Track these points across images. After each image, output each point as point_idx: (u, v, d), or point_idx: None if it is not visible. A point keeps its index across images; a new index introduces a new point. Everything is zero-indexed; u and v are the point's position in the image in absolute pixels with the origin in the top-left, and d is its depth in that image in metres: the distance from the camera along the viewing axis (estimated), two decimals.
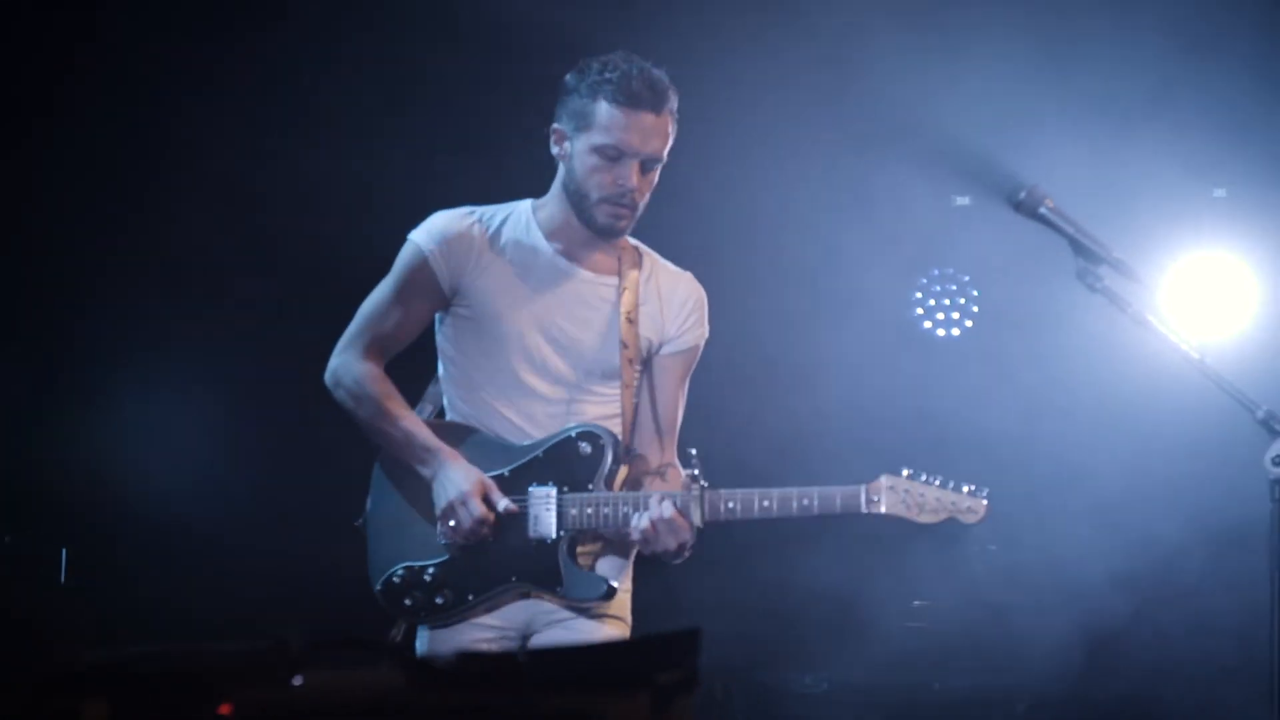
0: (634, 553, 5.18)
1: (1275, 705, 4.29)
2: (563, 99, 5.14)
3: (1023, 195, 4.80)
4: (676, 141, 5.16)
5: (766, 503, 4.98)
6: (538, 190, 5.31)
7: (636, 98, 5.04)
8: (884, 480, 4.98)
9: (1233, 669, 7.74)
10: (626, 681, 2.87)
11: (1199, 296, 8.61)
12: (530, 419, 5.13)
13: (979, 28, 7.70)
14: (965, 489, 5.01)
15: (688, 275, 5.39)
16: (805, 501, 4.98)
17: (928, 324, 8.92)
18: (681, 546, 5.00)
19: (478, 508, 4.97)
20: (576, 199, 5.13)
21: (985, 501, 5.02)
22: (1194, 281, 8.62)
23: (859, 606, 8.07)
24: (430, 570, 5.04)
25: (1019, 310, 8.56)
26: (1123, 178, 8.32)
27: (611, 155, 5.06)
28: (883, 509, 4.97)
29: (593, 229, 5.15)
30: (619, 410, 5.19)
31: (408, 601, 5.06)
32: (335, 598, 5.94)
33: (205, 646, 2.73)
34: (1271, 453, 4.34)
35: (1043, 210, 4.78)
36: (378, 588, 5.09)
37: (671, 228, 5.56)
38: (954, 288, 8.87)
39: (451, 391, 5.20)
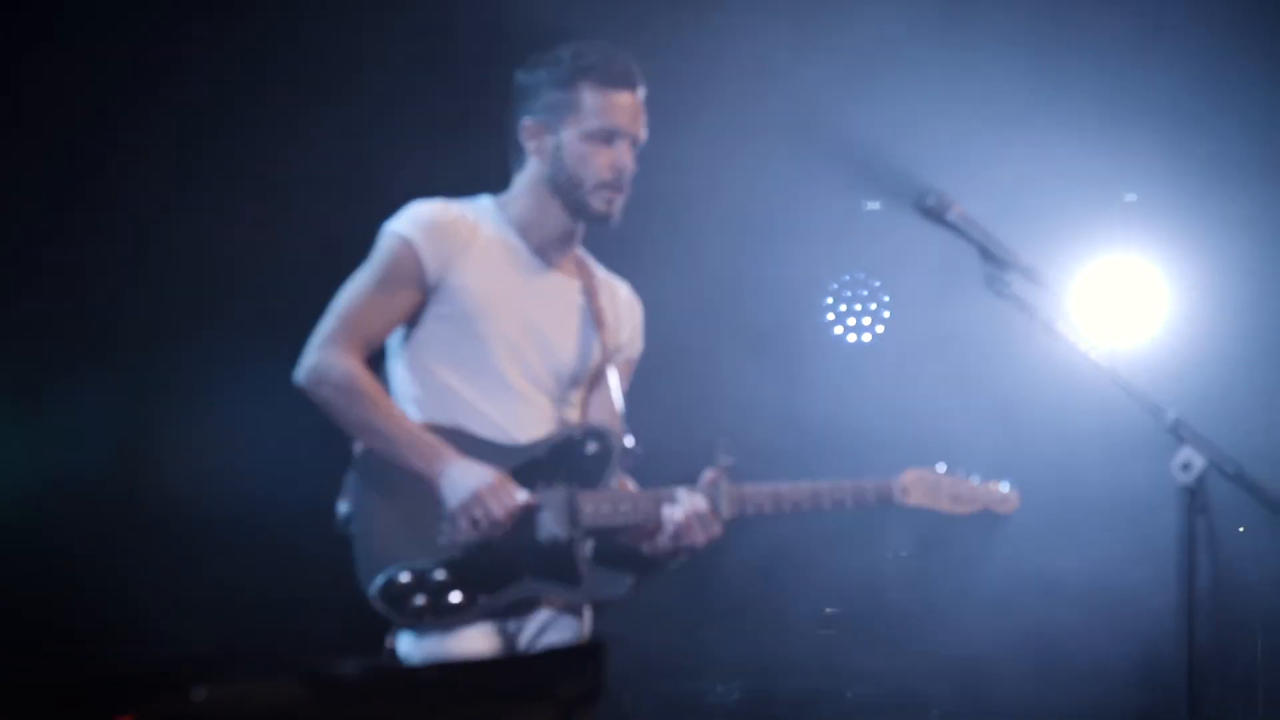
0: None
1: (1187, 712, 4.27)
2: (532, 92, 5.05)
3: (930, 201, 4.77)
4: None
5: (796, 497, 5.00)
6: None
7: (619, 78, 5.02)
8: (913, 473, 5.06)
9: (1144, 674, 7.78)
10: (530, 694, 2.85)
11: (1110, 301, 8.66)
12: (515, 421, 4.98)
13: (891, 34, 7.70)
14: (997, 483, 5.10)
15: (626, 284, 5.35)
16: (838, 496, 5.01)
17: (839, 329, 8.94)
18: (710, 541, 4.97)
19: (509, 498, 4.81)
20: (567, 189, 5.01)
21: (1017, 493, 5.15)
22: (1105, 286, 8.67)
23: (770, 614, 8.07)
24: (436, 571, 4.82)
25: (930, 315, 8.58)
26: (1034, 183, 8.36)
27: (604, 139, 4.99)
28: (914, 501, 5.05)
29: (585, 217, 5.06)
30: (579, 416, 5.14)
31: (416, 603, 4.80)
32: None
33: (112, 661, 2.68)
34: (1178, 459, 4.32)
35: (950, 216, 4.75)
36: (374, 591, 4.80)
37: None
38: (865, 293, 8.89)
39: (419, 394, 4.98)
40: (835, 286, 8.96)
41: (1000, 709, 8.38)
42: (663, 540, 4.98)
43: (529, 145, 5.07)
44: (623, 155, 5.02)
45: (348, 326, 4.89)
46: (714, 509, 4.94)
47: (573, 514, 4.91)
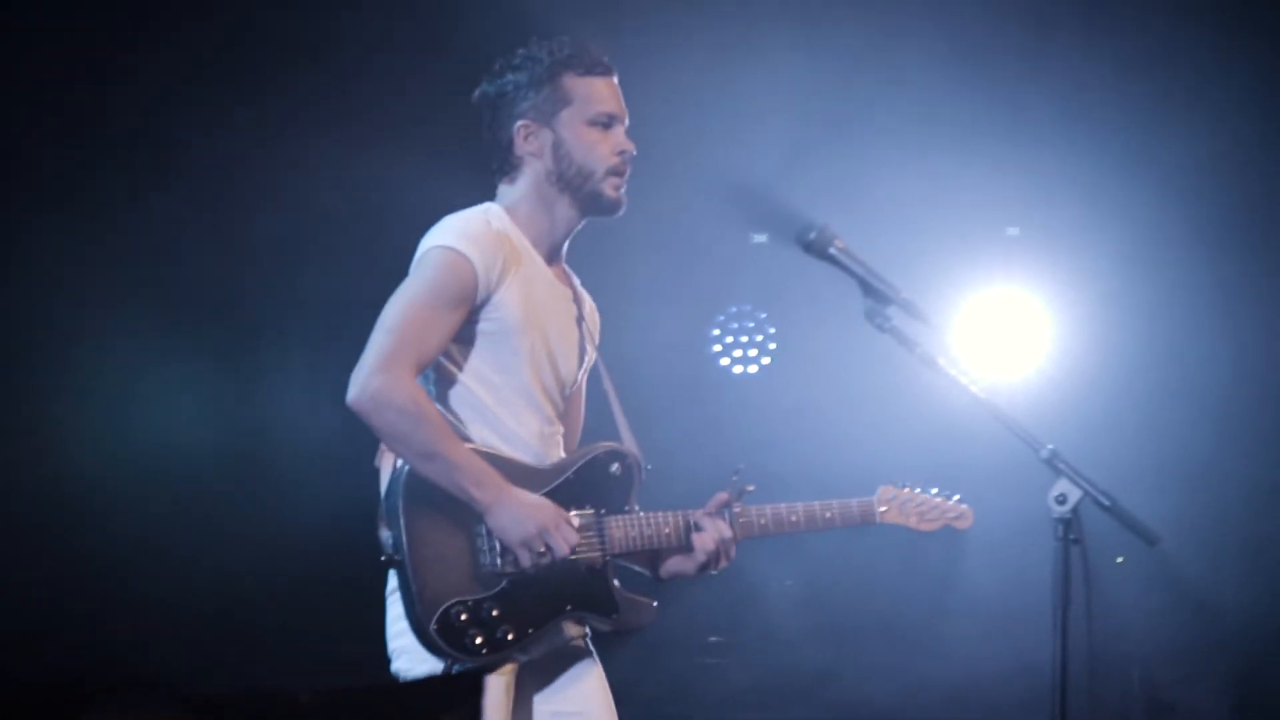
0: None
1: None
2: (512, 97, 4.98)
3: (813, 235, 4.81)
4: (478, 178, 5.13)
5: (794, 517, 5.09)
6: None
7: (599, 65, 5.00)
8: (885, 491, 5.18)
9: (1020, 700, 7.84)
10: None
11: (993, 334, 8.74)
12: (541, 438, 4.94)
13: (775, 68, 7.75)
14: (954, 497, 5.15)
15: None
16: (828, 515, 5.12)
17: (725, 361, 8.97)
18: (725, 561, 5.03)
19: (571, 534, 4.77)
20: (578, 181, 4.96)
21: (970, 508, 5.22)
22: (987, 319, 8.74)
23: (653, 643, 8.08)
24: (489, 604, 4.72)
25: (816, 347, 8.62)
26: (917, 218, 8.42)
27: (604, 123, 4.97)
28: (889, 519, 5.17)
29: (597, 208, 5.01)
30: None
31: (471, 640, 4.70)
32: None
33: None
34: (1054, 491, 4.38)
35: (832, 250, 4.78)
36: (433, 626, 4.67)
37: None
38: (751, 324, 8.93)
39: (463, 414, 4.88)
40: (722, 319, 8.99)
41: None
42: (687, 565, 5.04)
43: (526, 148, 4.98)
44: (623, 138, 5.00)
45: (407, 346, 4.72)
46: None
47: (603, 539, 4.90)
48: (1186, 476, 8.57)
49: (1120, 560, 8.27)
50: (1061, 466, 4.38)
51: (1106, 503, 4.34)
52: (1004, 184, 8.62)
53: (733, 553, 5.03)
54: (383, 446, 4.87)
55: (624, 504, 4.95)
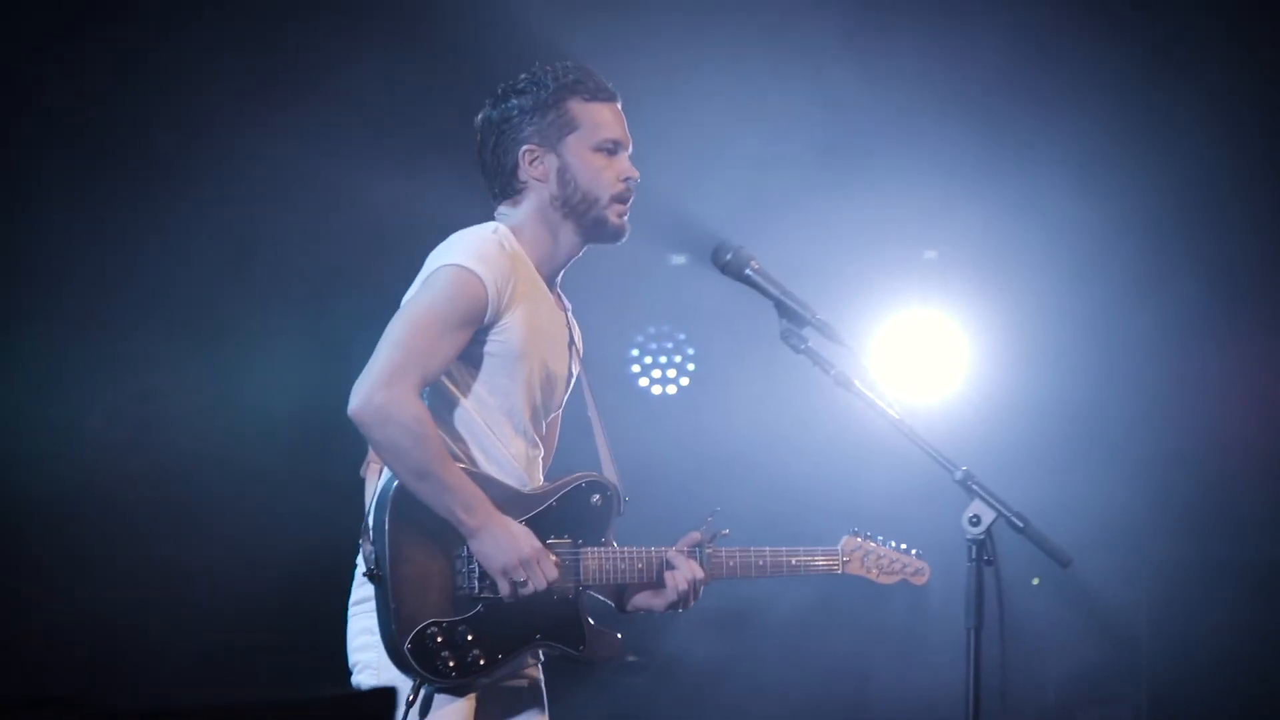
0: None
1: None
2: (517, 121, 4.92)
3: (729, 256, 4.83)
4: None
5: (761, 562, 5.07)
6: None
7: (604, 91, 4.96)
8: (848, 542, 5.16)
9: None
10: None
11: (910, 356, 8.77)
12: (525, 461, 4.91)
13: (695, 90, 7.77)
14: (913, 552, 5.15)
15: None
16: (794, 562, 5.10)
17: (644, 381, 8.97)
18: (694, 600, 5.02)
19: (550, 568, 4.74)
20: (583, 208, 4.90)
21: (929, 567, 5.22)
22: (905, 341, 8.78)
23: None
24: (463, 628, 4.70)
25: (734, 368, 8.63)
26: (835, 239, 8.44)
27: (610, 149, 4.92)
28: (851, 570, 5.16)
29: (601, 235, 4.96)
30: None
31: (444, 662, 4.67)
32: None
33: None
34: (969, 513, 4.40)
35: (748, 271, 4.81)
36: (407, 645, 4.64)
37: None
38: (670, 345, 8.93)
39: (456, 432, 4.83)
40: (640, 339, 8.99)
41: None
42: (655, 601, 5.01)
43: (531, 172, 4.91)
44: (628, 165, 4.95)
45: (414, 362, 4.67)
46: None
47: (577, 570, 4.87)
48: (1099, 499, 8.63)
49: (1036, 582, 8.32)
50: (975, 488, 4.41)
51: (1020, 524, 4.38)
52: (922, 207, 8.66)
53: (700, 593, 5.01)
54: (369, 458, 4.86)
55: (601, 536, 4.92)
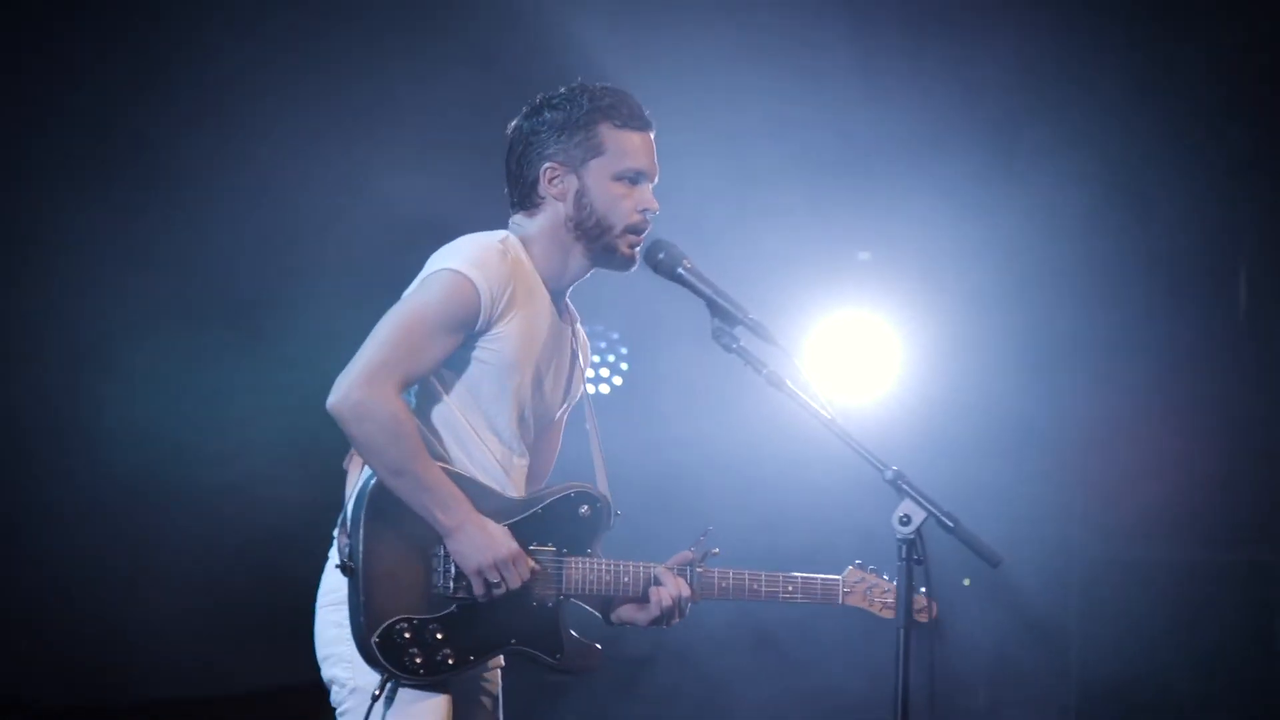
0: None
1: None
2: (546, 135, 4.90)
3: (661, 255, 4.83)
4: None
5: (756, 585, 5.05)
6: None
7: (638, 119, 4.93)
8: (851, 574, 5.12)
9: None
10: None
11: (843, 357, 8.79)
12: (507, 470, 4.90)
13: (629, 87, 7.76)
14: (921, 590, 5.08)
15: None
16: (790, 589, 5.07)
17: None
18: (679, 618, 5.01)
19: (525, 570, 4.73)
20: (595, 233, 4.88)
21: (937, 604, 5.12)
22: (838, 342, 8.79)
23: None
24: (434, 626, 4.70)
25: (667, 368, 8.63)
26: (768, 240, 8.45)
27: (632, 178, 4.89)
28: (851, 602, 5.12)
29: (609, 263, 4.94)
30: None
31: (411, 659, 4.67)
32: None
33: None
34: (898, 512, 4.41)
35: (680, 270, 4.81)
36: (375, 639, 4.63)
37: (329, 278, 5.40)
38: (603, 345, 8.92)
39: (439, 432, 4.84)
40: None
41: None
42: (640, 616, 5.00)
43: (550, 190, 4.90)
44: (649, 197, 4.92)
45: (398, 362, 4.67)
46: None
47: (559, 579, 4.86)
48: (1029, 499, 8.67)
49: (966, 583, 8.34)
50: (906, 488, 4.41)
51: (950, 524, 4.39)
52: (855, 209, 8.68)
53: (687, 611, 5.01)
54: (353, 451, 4.82)
55: (587, 546, 4.92)
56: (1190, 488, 8.83)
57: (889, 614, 5.10)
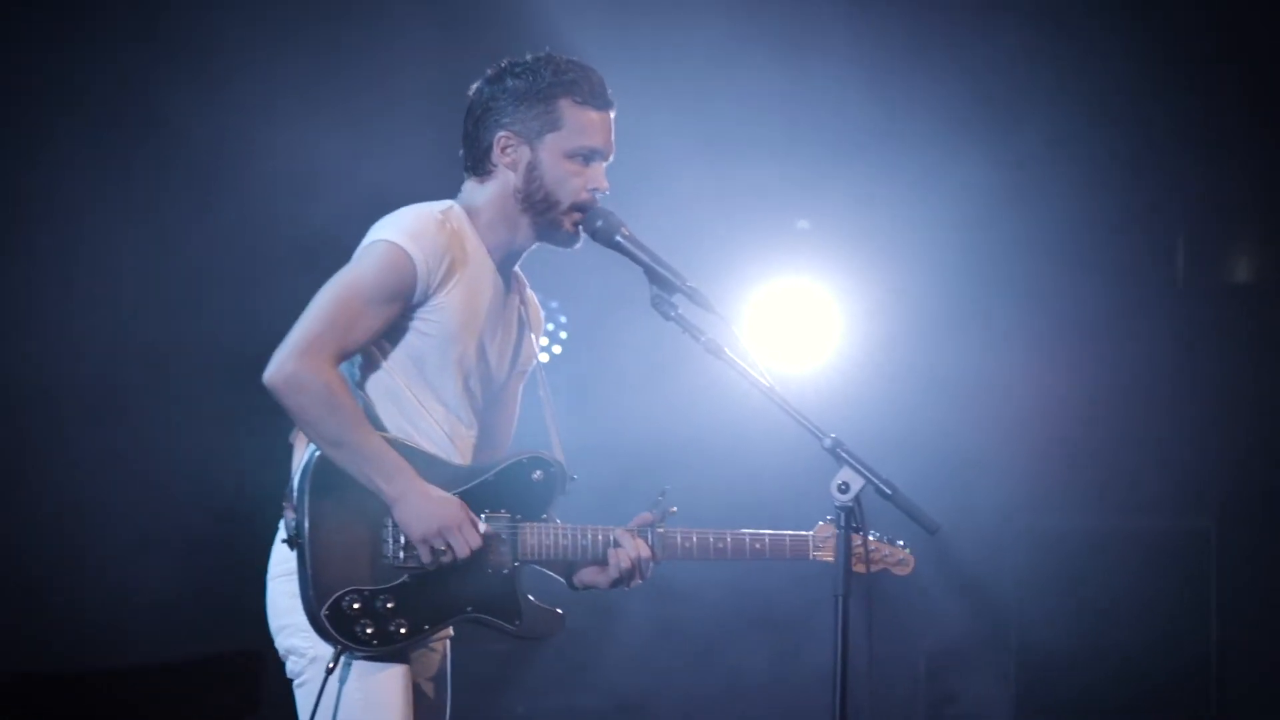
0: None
1: None
2: (505, 103, 4.85)
3: (599, 223, 4.81)
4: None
5: (721, 544, 4.98)
6: None
7: (598, 97, 4.87)
8: (822, 529, 4.99)
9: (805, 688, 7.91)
10: (187, 701, 2.80)
11: (782, 325, 8.80)
12: (454, 439, 4.86)
13: (564, 44, 7.74)
14: (899, 542, 5.05)
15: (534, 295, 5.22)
16: (758, 545, 5.00)
17: None
18: (640, 580, 4.96)
19: (474, 536, 4.69)
20: (542, 208, 4.84)
21: (914, 557, 5.09)
22: (777, 310, 8.80)
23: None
24: (384, 597, 4.66)
25: (606, 335, 8.62)
26: (707, 208, 8.45)
27: (585, 156, 4.85)
28: (822, 558, 4.99)
29: (552, 238, 4.91)
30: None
31: (362, 629, 4.63)
32: None
33: None
34: (837, 480, 4.41)
35: (618, 238, 4.79)
36: (324, 611, 4.61)
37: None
38: (542, 313, 8.89)
39: (379, 403, 4.81)
40: None
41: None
42: (601, 579, 4.97)
43: (502, 159, 4.86)
44: (600, 177, 4.88)
45: (332, 334, 4.65)
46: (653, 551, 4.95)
47: (514, 545, 4.82)
48: (968, 467, 8.71)
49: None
50: (844, 455, 4.41)
51: (888, 491, 4.39)
52: (794, 177, 8.68)
53: (649, 572, 4.97)
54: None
55: (542, 511, 4.89)
56: (1128, 456, 8.88)
57: (862, 568, 5.01)
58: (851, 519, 4.43)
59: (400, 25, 7.94)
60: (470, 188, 4.95)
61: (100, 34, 7.55)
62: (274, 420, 4.78)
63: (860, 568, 4.98)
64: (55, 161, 7.54)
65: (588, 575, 5.01)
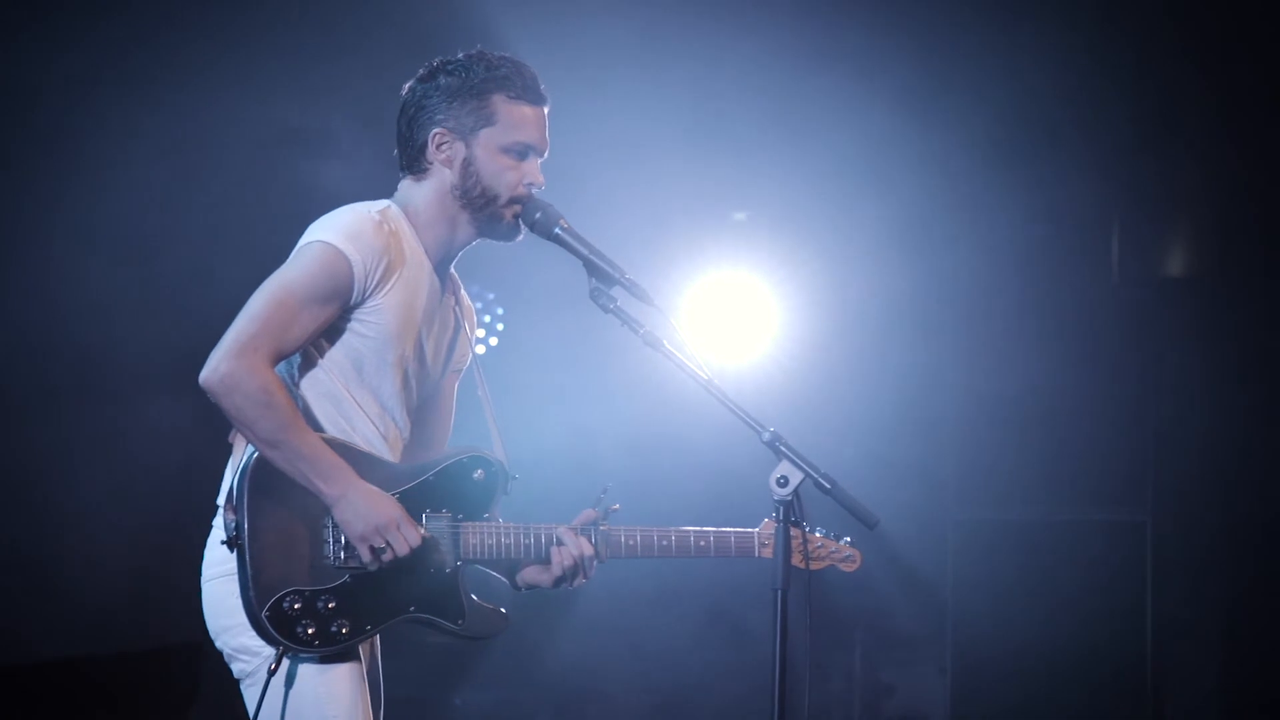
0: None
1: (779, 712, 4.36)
2: (438, 101, 4.83)
3: (538, 215, 4.80)
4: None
5: (665, 541, 4.98)
6: None
7: (532, 92, 4.86)
8: (768, 526, 4.96)
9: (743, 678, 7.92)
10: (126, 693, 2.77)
11: (722, 318, 8.80)
12: (389, 440, 4.84)
13: (501, 41, 7.73)
14: (845, 540, 5.04)
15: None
16: (702, 543, 5.00)
17: None
18: (584, 578, 4.94)
19: (413, 534, 4.65)
20: (480, 203, 4.83)
21: (860, 553, 5.09)
22: (714, 303, 8.80)
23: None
24: (326, 597, 4.63)
25: (543, 328, 8.60)
26: (645, 200, 8.44)
27: (520, 152, 4.83)
28: (768, 555, 4.96)
29: (494, 233, 4.89)
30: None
31: (304, 630, 4.61)
32: None
33: None
34: (776, 474, 4.40)
35: (557, 230, 4.78)
36: (265, 613, 4.57)
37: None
38: (479, 305, 8.88)
39: (317, 403, 4.78)
40: None
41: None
42: (544, 577, 4.95)
43: (438, 156, 4.85)
44: (535, 171, 4.86)
45: (267, 335, 4.62)
46: (595, 551, 4.93)
47: (456, 544, 4.80)
48: (906, 462, 8.73)
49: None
50: (783, 449, 4.40)
51: (827, 485, 4.38)
52: (731, 169, 8.68)
53: (592, 571, 4.95)
54: None
55: (484, 511, 4.87)
56: (1064, 450, 8.92)
57: (811, 565, 5.00)
58: (790, 513, 4.42)
59: (339, 29, 7.92)
60: (407, 186, 4.93)
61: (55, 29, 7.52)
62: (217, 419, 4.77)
63: (804, 564, 4.98)
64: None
65: (530, 574, 4.99)
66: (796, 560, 4.81)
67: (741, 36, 8.32)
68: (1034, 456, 8.93)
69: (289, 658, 4.64)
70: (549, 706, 8.76)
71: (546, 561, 4.95)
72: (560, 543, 4.92)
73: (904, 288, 8.89)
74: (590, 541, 4.94)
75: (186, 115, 7.66)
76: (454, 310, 5.05)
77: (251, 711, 4.72)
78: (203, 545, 4.84)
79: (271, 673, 4.61)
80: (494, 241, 4.95)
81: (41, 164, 7.58)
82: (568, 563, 4.91)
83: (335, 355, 4.79)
